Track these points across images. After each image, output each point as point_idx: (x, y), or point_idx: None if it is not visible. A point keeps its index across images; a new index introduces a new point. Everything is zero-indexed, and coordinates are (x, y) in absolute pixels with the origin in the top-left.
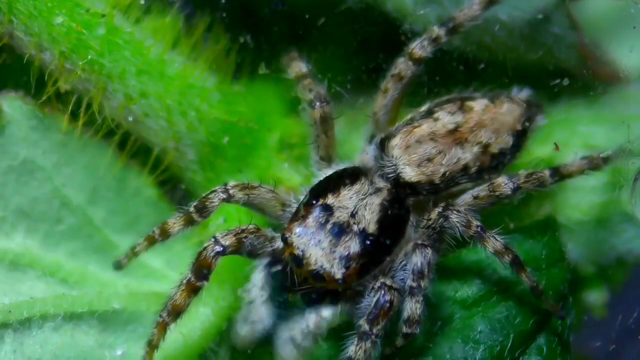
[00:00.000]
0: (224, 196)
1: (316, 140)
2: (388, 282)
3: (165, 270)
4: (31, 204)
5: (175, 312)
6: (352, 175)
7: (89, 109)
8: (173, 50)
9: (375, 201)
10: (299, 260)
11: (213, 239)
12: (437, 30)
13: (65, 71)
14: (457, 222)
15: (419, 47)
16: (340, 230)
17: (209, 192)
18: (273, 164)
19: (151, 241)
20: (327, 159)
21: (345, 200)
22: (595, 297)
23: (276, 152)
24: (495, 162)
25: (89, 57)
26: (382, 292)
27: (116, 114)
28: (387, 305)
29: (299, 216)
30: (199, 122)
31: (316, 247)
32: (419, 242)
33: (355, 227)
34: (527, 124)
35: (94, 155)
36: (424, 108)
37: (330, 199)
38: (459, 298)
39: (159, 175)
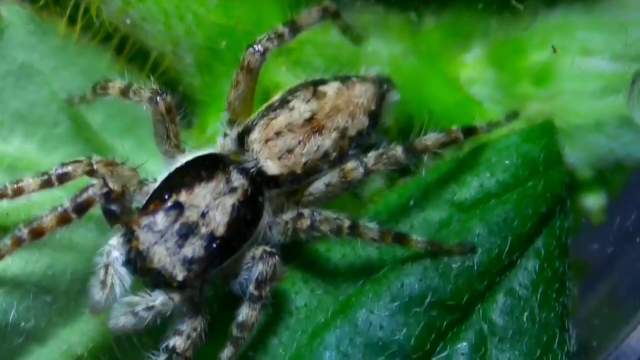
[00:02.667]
0: (87, 169)
1: (166, 131)
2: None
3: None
4: (29, 108)
5: (36, 234)
6: (208, 168)
7: (86, 13)
8: None
9: (228, 202)
10: (142, 257)
11: (102, 180)
12: (282, 29)
13: None
14: (329, 230)
15: (266, 40)
16: (188, 231)
17: (72, 160)
18: (271, 68)
19: (2, 195)
20: (177, 147)
21: (198, 198)
22: (594, 201)
23: (274, 56)
24: (354, 144)
25: None
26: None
27: (114, 17)
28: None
29: (149, 210)
30: (197, 26)
31: (161, 246)
32: (267, 249)
33: (203, 229)
34: (380, 102)
35: (92, 59)
36: (277, 97)
37: (183, 196)
38: (457, 201)
39: (157, 79)
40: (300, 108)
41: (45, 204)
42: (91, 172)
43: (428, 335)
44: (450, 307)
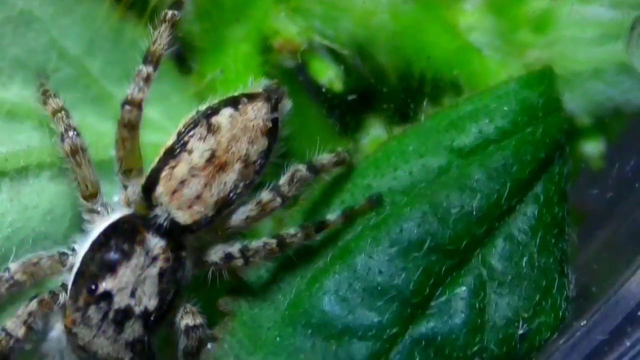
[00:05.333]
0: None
1: (75, 177)
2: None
3: (162, 121)
4: (28, 55)
5: None
6: (124, 241)
7: None
8: None
9: (153, 272)
10: (85, 351)
11: (4, 332)
12: (146, 70)
13: None
14: (263, 258)
15: (137, 91)
16: (123, 317)
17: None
18: (270, 15)
19: None
20: (94, 196)
21: (123, 280)
22: (593, 148)
23: (273, 2)
24: (259, 166)
25: None
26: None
27: None
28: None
29: (79, 305)
30: None
31: (101, 338)
32: (190, 323)
33: (137, 309)
34: (275, 115)
35: (91, 7)
36: (173, 139)
37: (109, 283)
38: (456, 147)
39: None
40: (199, 148)
41: (44, 150)
42: (15, 285)
43: (427, 280)
44: (449, 252)
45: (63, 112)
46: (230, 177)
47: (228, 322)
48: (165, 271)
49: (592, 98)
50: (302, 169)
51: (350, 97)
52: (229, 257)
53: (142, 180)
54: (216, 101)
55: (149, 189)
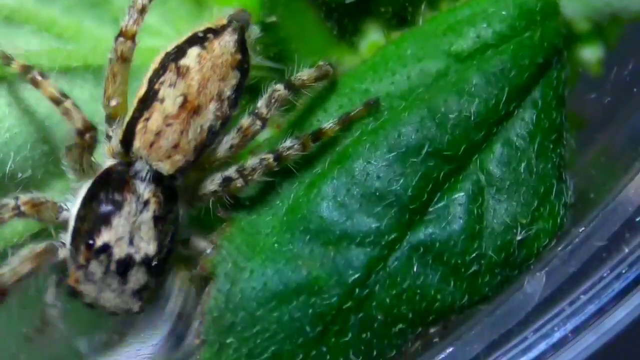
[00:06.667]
0: (14, 212)
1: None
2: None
3: (160, 25)
4: None
5: None
6: (114, 192)
7: None
8: None
9: (147, 217)
10: (93, 306)
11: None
12: (141, 1)
13: None
14: (262, 174)
15: (132, 23)
16: (126, 266)
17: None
18: None
19: None
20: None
21: (119, 230)
22: (591, 53)
23: None
24: (233, 100)
25: None
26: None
27: None
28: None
29: (80, 263)
30: None
31: (107, 292)
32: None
33: (137, 257)
34: (243, 47)
35: None
36: (144, 88)
37: (105, 235)
38: (454, 51)
39: None
40: (170, 96)
41: (42, 54)
42: (20, 215)
43: (425, 185)
44: (447, 157)
45: (38, 74)
46: (206, 118)
47: (226, 227)
48: (159, 214)
49: (590, 3)
50: (280, 88)
51: (348, 0)
52: (227, 180)
53: (121, 132)
54: (183, 39)
55: (127, 143)
